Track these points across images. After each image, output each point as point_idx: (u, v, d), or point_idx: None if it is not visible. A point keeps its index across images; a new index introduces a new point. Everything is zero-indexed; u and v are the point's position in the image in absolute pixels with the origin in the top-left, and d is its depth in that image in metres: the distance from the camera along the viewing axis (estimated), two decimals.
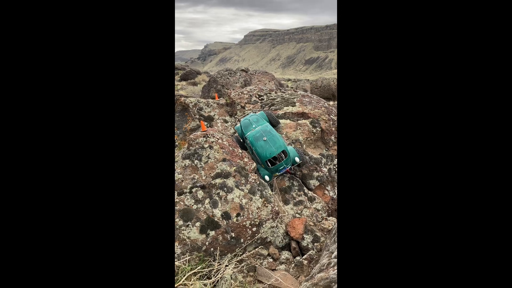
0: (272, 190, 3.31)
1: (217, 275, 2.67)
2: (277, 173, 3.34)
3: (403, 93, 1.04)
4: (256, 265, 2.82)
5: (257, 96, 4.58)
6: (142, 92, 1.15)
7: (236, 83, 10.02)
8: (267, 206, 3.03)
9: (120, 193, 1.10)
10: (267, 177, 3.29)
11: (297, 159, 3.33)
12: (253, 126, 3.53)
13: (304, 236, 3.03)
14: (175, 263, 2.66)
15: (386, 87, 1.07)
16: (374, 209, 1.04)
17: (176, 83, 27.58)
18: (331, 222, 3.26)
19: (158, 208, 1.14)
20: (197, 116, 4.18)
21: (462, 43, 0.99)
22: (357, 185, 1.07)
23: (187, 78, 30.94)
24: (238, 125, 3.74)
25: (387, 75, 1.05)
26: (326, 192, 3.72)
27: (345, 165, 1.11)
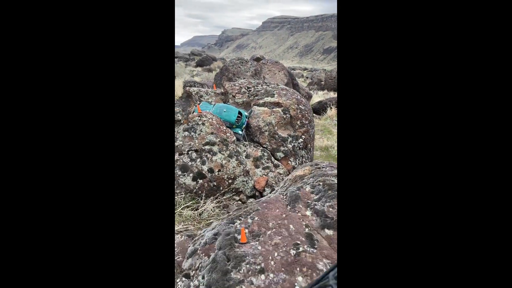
0: (246, 157, 4.61)
1: (202, 208, 4.03)
2: (244, 125, 4.90)
3: (407, 90, 1.00)
4: (229, 204, 4.17)
5: (246, 88, 5.82)
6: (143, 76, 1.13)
7: (247, 72, 10.52)
8: (240, 166, 4.35)
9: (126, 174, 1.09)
10: (240, 131, 4.85)
11: (247, 114, 5.15)
12: (211, 108, 5.23)
13: (265, 188, 4.33)
14: (175, 198, 4.04)
15: (387, 84, 1.04)
16: (374, 208, 1.02)
17: (192, 68, 28.93)
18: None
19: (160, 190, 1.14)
20: (198, 102, 5.50)
21: (470, 36, 0.96)
22: (357, 186, 1.05)
23: (203, 64, 31.91)
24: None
25: (388, 73, 1.02)
26: (290, 162, 4.99)
27: (344, 165, 1.09)
